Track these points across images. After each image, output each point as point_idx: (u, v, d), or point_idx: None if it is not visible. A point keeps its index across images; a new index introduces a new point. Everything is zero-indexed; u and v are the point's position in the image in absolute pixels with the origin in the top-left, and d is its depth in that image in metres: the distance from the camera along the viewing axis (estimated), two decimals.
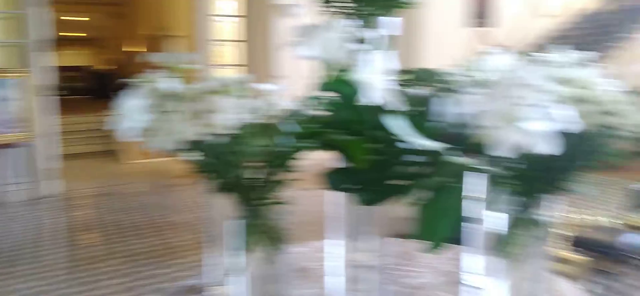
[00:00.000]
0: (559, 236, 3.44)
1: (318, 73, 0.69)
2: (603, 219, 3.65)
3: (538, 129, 0.54)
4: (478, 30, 6.04)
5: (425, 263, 1.35)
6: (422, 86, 0.80)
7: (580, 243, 3.21)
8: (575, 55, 0.75)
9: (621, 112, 0.65)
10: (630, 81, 0.78)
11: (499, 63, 0.59)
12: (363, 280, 0.95)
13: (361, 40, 0.65)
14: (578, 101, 0.64)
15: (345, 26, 0.63)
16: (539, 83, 0.55)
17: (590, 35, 8.24)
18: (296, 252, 1.37)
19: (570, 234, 3.36)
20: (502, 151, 0.58)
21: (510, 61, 0.58)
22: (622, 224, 3.07)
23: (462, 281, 1.15)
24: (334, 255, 0.97)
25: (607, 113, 0.65)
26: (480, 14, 6.12)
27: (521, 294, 0.83)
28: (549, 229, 0.81)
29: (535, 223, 0.78)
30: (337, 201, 0.92)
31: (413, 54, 5.64)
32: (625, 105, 0.65)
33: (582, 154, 0.69)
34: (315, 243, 1.32)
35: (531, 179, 0.73)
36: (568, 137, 0.63)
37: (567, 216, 3.79)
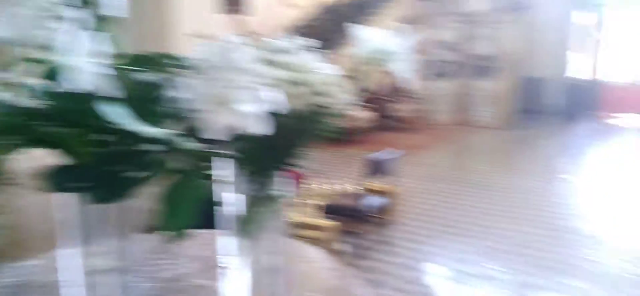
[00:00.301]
0: (313, 206, 3.78)
1: (12, 56, 0.58)
2: (349, 187, 4.14)
3: (248, 110, 0.56)
4: (231, 17, 6.18)
5: (181, 253, 1.32)
6: (151, 71, 0.76)
7: (331, 210, 3.58)
8: (299, 41, 0.81)
9: (330, 93, 0.72)
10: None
11: (217, 48, 0.59)
12: (103, 285, 0.87)
13: (65, 19, 0.57)
14: (293, 83, 0.69)
15: (43, 2, 0.55)
16: (250, 67, 0.57)
17: (329, 25, 9.27)
18: (28, 267, 1.19)
19: (323, 203, 3.73)
20: (216, 134, 0.58)
21: (226, 45, 0.59)
22: (363, 189, 3.53)
23: (220, 265, 1.16)
24: (69, 264, 0.86)
25: (318, 94, 0.71)
26: (234, 2, 6.26)
27: (261, 268, 0.86)
28: (284, 203, 0.86)
29: (271, 199, 0.82)
30: (68, 203, 0.81)
31: (164, 39, 5.45)
32: (333, 86, 0.73)
33: (303, 131, 0.75)
34: (53, 254, 1.17)
35: (261, 158, 0.76)
36: (286, 117, 0.68)
37: (319, 188, 4.19)
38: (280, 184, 0.83)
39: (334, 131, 0.79)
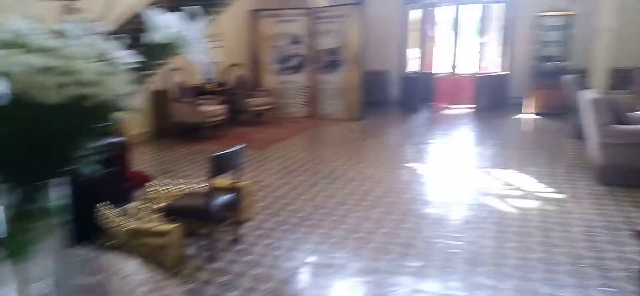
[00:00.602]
0: (157, 210, 3.54)
1: None
2: (194, 186, 3.95)
3: None
4: (62, 3, 5.58)
5: None
6: None
7: (173, 212, 3.38)
8: (93, 27, 0.68)
9: (103, 84, 0.60)
10: None
11: None
12: None
13: None
14: (53, 72, 0.56)
15: None
16: None
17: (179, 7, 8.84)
18: None
19: (162, 205, 3.50)
20: None
21: None
22: (209, 188, 3.38)
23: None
24: None
25: (87, 85, 0.58)
26: None
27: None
28: (60, 216, 0.71)
29: (43, 213, 0.67)
30: None
31: None
32: (110, 76, 0.61)
33: (72, 129, 0.61)
34: None
35: (19, 164, 0.61)
36: (44, 112, 0.54)
37: (165, 189, 3.94)
38: (54, 194, 0.68)
39: (113, 128, 0.67)
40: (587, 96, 5.25)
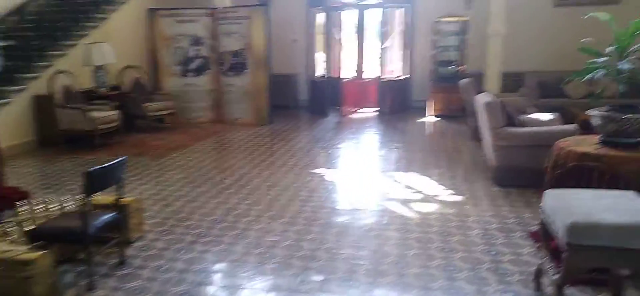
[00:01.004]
0: (22, 234, 3.09)
1: None
2: (69, 205, 3.52)
3: None
4: None
5: None
6: None
7: (42, 236, 2.96)
8: None
9: None
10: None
11: None
12: None
13: None
14: None
15: None
16: None
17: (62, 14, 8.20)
18: None
19: (29, 229, 3.07)
20: None
21: None
22: (87, 206, 2.99)
23: None
24: None
25: None
26: None
27: None
28: None
29: None
30: None
31: None
32: None
33: None
34: None
35: None
36: None
37: (33, 208, 3.47)
38: None
39: None
40: (481, 99, 5.42)
